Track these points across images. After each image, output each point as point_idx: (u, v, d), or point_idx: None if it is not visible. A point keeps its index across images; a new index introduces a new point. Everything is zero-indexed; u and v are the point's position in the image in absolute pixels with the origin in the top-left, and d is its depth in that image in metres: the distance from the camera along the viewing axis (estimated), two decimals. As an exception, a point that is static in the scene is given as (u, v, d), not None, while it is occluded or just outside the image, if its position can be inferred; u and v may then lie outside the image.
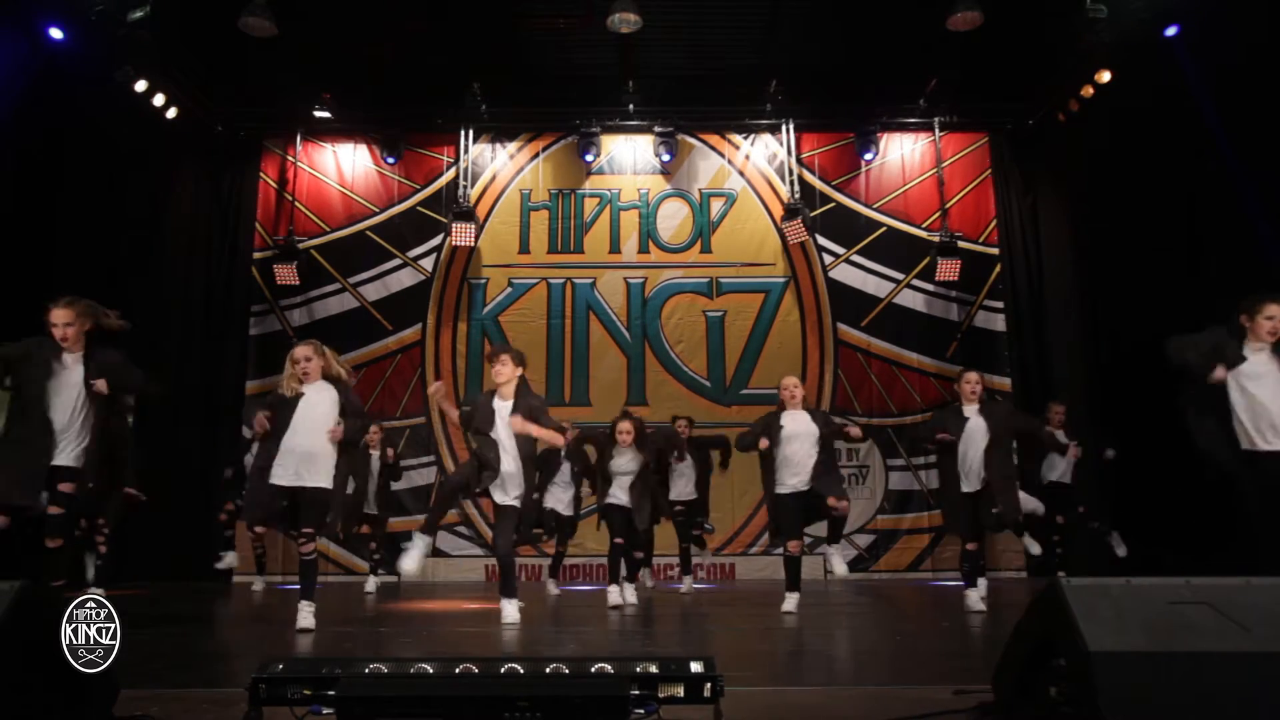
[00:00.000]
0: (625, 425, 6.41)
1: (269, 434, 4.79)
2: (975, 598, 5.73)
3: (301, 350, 4.91)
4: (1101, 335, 9.35)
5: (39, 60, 7.59)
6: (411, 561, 5.02)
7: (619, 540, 6.27)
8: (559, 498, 7.00)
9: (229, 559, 7.98)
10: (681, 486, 7.40)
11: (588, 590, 7.90)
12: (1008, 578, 8.70)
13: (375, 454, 7.72)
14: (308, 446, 4.78)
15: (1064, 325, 9.50)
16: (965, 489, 5.70)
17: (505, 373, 5.24)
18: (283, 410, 4.80)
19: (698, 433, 7.79)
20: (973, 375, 5.96)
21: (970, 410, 5.81)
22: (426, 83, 9.41)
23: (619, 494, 6.35)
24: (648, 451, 6.45)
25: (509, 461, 5.12)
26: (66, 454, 4.61)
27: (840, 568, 6.14)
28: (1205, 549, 6.47)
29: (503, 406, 5.21)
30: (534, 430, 5.10)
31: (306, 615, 4.80)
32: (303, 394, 4.84)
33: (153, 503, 8.62)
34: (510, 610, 5.10)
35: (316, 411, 4.83)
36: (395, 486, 8.31)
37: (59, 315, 4.65)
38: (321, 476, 4.79)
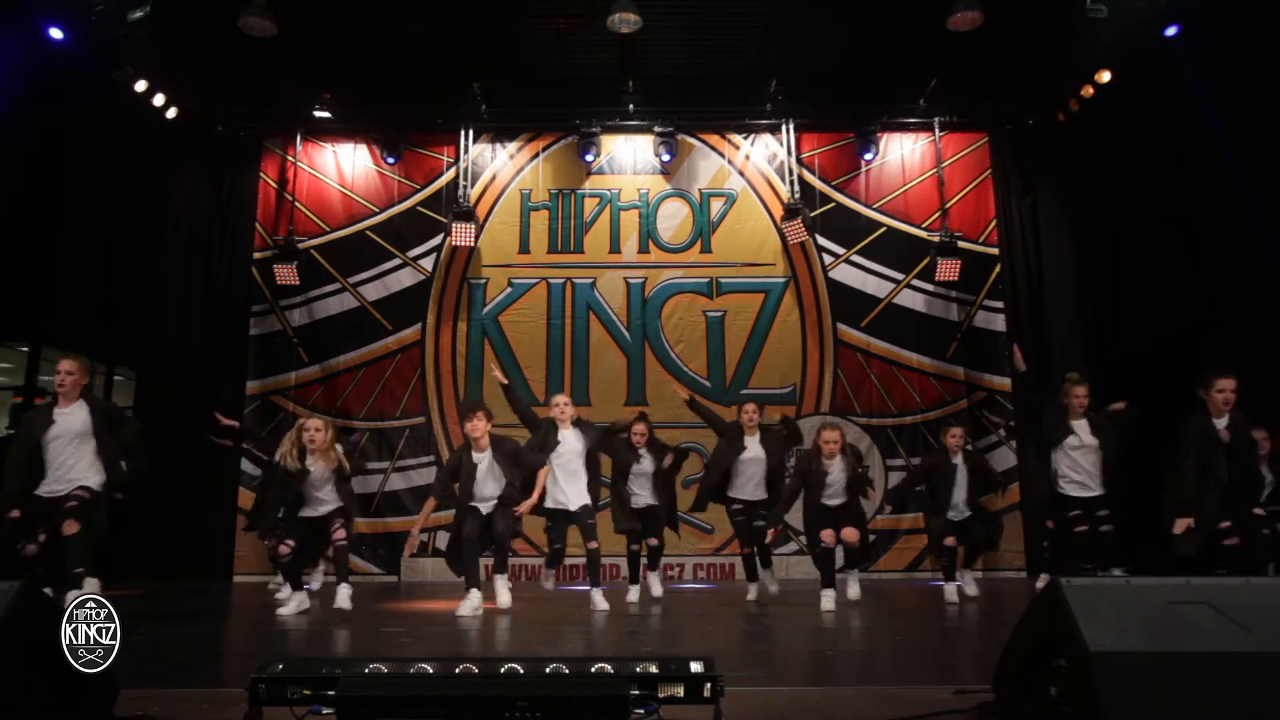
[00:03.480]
0: (640, 427, 6.79)
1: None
2: (953, 592, 6.44)
3: (314, 423, 5.93)
4: (1102, 335, 9.34)
5: (39, 60, 7.59)
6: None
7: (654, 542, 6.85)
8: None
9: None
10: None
11: (588, 590, 7.86)
12: (1007, 578, 8.70)
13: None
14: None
15: (1064, 325, 9.48)
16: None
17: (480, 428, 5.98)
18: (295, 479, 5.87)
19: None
20: (958, 430, 6.97)
21: (956, 459, 6.81)
22: (426, 83, 9.41)
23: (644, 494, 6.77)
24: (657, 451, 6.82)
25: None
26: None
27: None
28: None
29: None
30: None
31: (344, 597, 5.67)
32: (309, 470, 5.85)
33: (153, 503, 8.66)
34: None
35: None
36: (397, 487, 8.20)
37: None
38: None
